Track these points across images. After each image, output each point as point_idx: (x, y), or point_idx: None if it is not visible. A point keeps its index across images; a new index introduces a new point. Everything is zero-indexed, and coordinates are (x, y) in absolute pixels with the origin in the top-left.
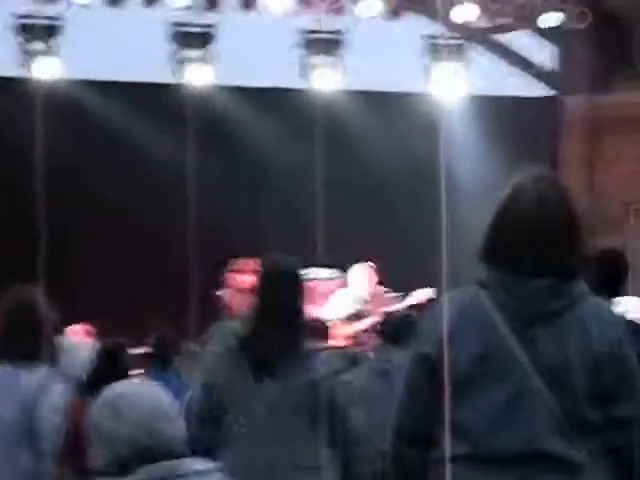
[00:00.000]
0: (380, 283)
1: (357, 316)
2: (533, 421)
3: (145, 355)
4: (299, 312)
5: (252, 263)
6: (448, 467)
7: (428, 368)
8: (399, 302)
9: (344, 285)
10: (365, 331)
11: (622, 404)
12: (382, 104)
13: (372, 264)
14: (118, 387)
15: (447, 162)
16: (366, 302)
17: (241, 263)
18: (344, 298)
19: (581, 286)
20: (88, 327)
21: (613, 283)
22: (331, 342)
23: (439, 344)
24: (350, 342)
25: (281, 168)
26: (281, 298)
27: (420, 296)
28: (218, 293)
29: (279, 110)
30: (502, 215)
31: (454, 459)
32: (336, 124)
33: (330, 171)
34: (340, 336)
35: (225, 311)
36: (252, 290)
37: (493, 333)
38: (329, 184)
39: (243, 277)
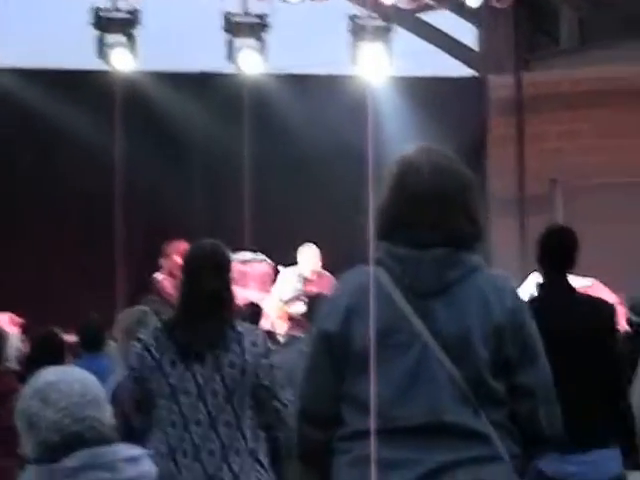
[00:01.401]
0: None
1: (299, 298)
2: (436, 393)
3: (74, 342)
4: (226, 296)
5: (184, 246)
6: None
7: (328, 346)
8: None
9: (274, 268)
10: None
11: (524, 372)
12: (308, 86)
13: (312, 245)
14: (46, 374)
15: (374, 143)
16: (309, 282)
17: (173, 246)
18: (286, 280)
19: (476, 257)
20: (14, 316)
21: (562, 259)
22: (267, 324)
23: (338, 321)
24: (291, 324)
25: (208, 152)
26: (206, 283)
27: None
28: (153, 277)
29: (206, 94)
30: (394, 189)
31: (359, 434)
32: (263, 107)
33: (258, 154)
34: (282, 318)
35: (159, 295)
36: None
37: (391, 307)
38: (257, 167)
39: (175, 260)
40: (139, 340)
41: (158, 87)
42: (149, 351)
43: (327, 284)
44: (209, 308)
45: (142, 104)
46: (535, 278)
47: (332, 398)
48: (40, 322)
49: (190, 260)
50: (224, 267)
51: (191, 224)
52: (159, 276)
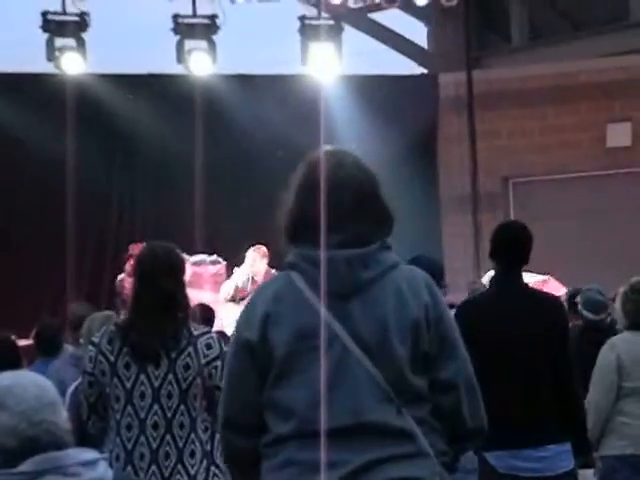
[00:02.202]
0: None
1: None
2: (357, 393)
3: (29, 346)
4: (178, 298)
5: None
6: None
7: (249, 353)
8: None
9: (228, 270)
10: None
11: (444, 367)
12: (258, 86)
13: (262, 246)
14: (1, 379)
15: (325, 142)
16: (254, 282)
17: (134, 248)
18: (232, 280)
19: (391, 255)
20: None
21: (514, 254)
22: (220, 325)
23: (257, 328)
24: None
25: (159, 153)
26: (160, 284)
27: None
28: (118, 279)
29: (156, 95)
30: (299, 191)
31: (282, 440)
32: (213, 108)
33: (209, 155)
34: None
35: (120, 296)
36: None
37: (308, 311)
38: (208, 168)
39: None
40: (93, 344)
41: (108, 89)
42: (103, 354)
43: None
44: (163, 310)
45: (93, 107)
46: (491, 276)
47: (255, 406)
48: None
49: (143, 262)
50: (178, 269)
51: (143, 225)
52: (120, 276)
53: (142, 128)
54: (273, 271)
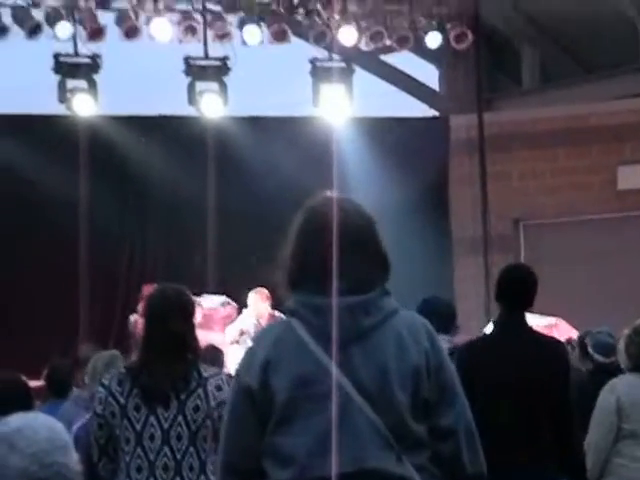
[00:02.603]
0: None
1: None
2: (357, 441)
3: (40, 387)
4: (188, 340)
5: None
6: None
7: (250, 399)
8: None
9: (238, 312)
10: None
11: (444, 414)
12: (270, 128)
13: (263, 289)
14: (12, 420)
15: (337, 185)
16: (257, 325)
17: (147, 289)
18: (237, 323)
19: (391, 301)
20: None
21: (518, 297)
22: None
23: (258, 374)
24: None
25: (171, 196)
26: (171, 326)
27: None
28: (131, 320)
29: (167, 137)
30: (299, 239)
31: None
32: (225, 150)
33: (220, 197)
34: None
35: (133, 337)
36: None
37: (309, 358)
38: (220, 211)
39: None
40: (103, 385)
41: (120, 131)
42: (113, 396)
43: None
44: (174, 351)
45: (105, 148)
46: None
47: (255, 452)
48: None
49: (153, 304)
50: (188, 311)
51: (154, 267)
52: (133, 317)
53: (154, 170)
54: (277, 314)
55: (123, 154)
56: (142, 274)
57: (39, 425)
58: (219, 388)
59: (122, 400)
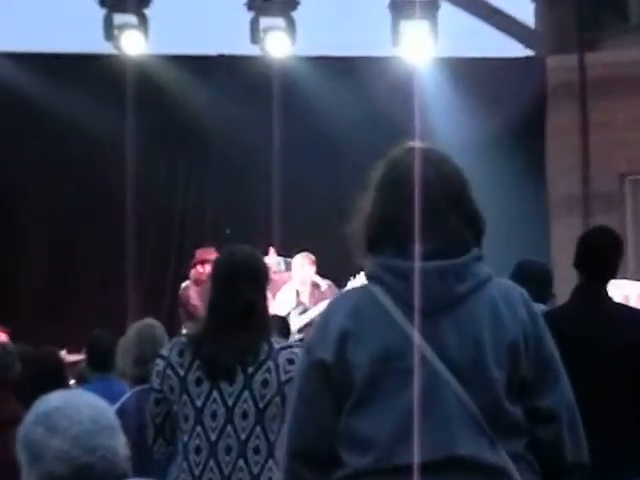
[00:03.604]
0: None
1: (303, 311)
2: (445, 423)
3: (79, 362)
4: (259, 308)
5: (208, 254)
6: None
7: (323, 376)
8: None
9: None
10: (308, 325)
11: (545, 393)
12: (343, 70)
13: (309, 253)
14: (52, 399)
15: (420, 133)
16: (298, 294)
17: (199, 254)
18: (285, 292)
19: (484, 266)
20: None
21: (598, 264)
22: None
23: (333, 347)
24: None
25: (231, 143)
26: (237, 292)
27: None
28: (182, 287)
29: (227, 79)
30: (379, 194)
31: (359, 475)
32: (292, 94)
33: (286, 145)
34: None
35: (185, 306)
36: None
37: (392, 329)
38: (286, 159)
39: (198, 270)
40: (161, 357)
41: (173, 73)
42: (172, 368)
43: (325, 296)
44: (242, 320)
45: (155, 92)
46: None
47: (329, 435)
48: (38, 339)
49: (221, 267)
50: (259, 275)
51: (214, 219)
52: (185, 284)
53: (211, 117)
54: (322, 282)
55: (176, 99)
56: (197, 234)
57: (82, 404)
58: (291, 362)
59: (182, 372)
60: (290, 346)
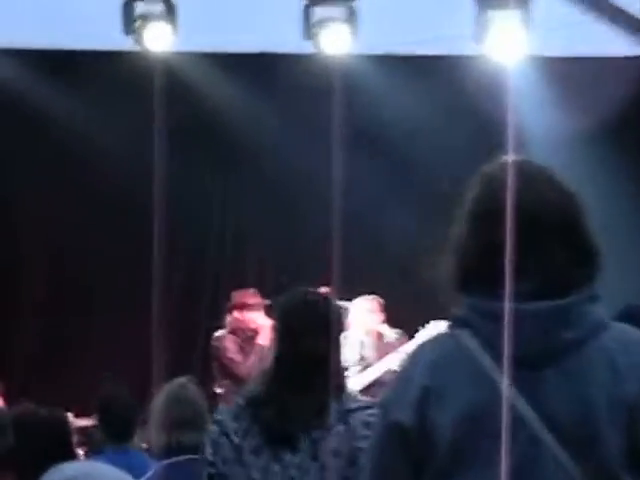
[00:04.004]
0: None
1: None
2: None
3: (89, 428)
4: (332, 363)
5: (246, 297)
6: None
7: (401, 441)
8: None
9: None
10: (372, 386)
11: None
12: (415, 71)
13: (376, 297)
14: (68, 469)
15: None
16: (362, 346)
17: (235, 296)
18: (349, 342)
19: (599, 309)
20: None
21: None
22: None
23: (413, 407)
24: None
25: (274, 158)
26: (307, 346)
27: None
28: (215, 337)
29: (273, 81)
30: (473, 217)
31: None
32: (351, 99)
33: (345, 158)
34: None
35: (218, 360)
36: (256, 332)
37: (484, 385)
38: (345, 176)
39: (236, 316)
40: (216, 422)
41: (206, 73)
42: (227, 435)
43: (393, 348)
44: (310, 377)
45: (185, 97)
46: None
47: None
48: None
49: (290, 316)
50: (335, 325)
51: (255, 259)
52: (219, 334)
53: (253, 125)
54: (388, 332)
55: (210, 105)
56: (234, 271)
57: (102, 477)
58: (368, 425)
59: (237, 440)
60: (368, 406)
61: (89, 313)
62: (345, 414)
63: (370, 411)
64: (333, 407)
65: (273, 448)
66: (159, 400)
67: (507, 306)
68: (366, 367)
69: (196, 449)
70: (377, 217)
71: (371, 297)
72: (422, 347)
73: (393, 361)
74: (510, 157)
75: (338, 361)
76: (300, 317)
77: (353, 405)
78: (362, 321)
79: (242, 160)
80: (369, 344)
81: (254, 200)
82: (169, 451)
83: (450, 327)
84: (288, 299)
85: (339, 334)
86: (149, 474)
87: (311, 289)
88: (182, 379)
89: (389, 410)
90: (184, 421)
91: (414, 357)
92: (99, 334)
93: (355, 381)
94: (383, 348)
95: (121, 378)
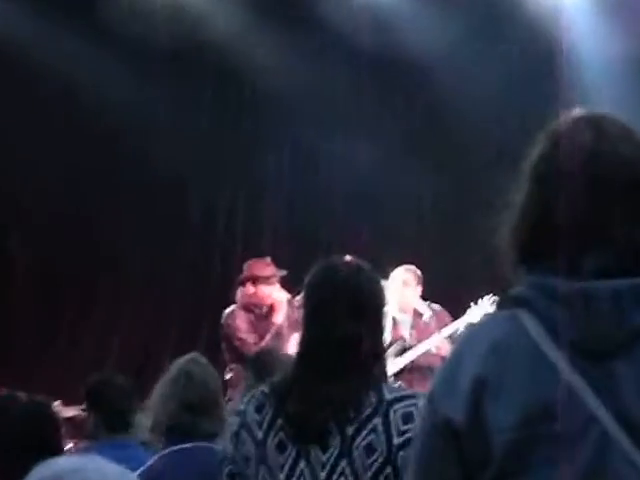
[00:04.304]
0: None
1: (402, 349)
2: None
3: (78, 417)
4: (366, 345)
5: (269, 266)
6: None
7: (450, 439)
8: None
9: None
10: (407, 371)
11: None
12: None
13: (414, 268)
14: (54, 465)
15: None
16: (395, 324)
17: (254, 266)
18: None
19: None
20: None
21: None
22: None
23: (465, 402)
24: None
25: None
26: (337, 326)
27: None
28: (225, 314)
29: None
30: (535, 184)
31: None
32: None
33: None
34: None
35: (228, 340)
36: (272, 309)
37: (548, 377)
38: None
39: (248, 290)
40: (238, 413)
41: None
42: (249, 429)
43: (434, 327)
44: (340, 363)
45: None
46: None
47: None
48: (22, 385)
49: (318, 291)
50: (372, 301)
51: (274, 229)
52: (230, 311)
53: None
54: (427, 308)
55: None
56: (247, 239)
57: (95, 472)
58: (409, 418)
59: (260, 435)
60: (410, 396)
61: (92, 288)
62: (383, 405)
63: (412, 400)
64: (369, 397)
65: (300, 444)
66: (166, 377)
67: (577, 285)
68: (401, 350)
69: (207, 436)
70: (410, 179)
71: (408, 267)
72: (476, 328)
73: (433, 343)
74: (583, 111)
75: (376, 343)
76: (329, 292)
77: (393, 395)
78: (396, 296)
79: (262, 112)
80: (405, 322)
81: (273, 155)
82: (177, 436)
83: (506, 306)
84: (315, 271)
85: (377, 311)
86: (152, 460)
87: (343, 259)
88: (193, 354)
89: (437, 404)
90: (194, 402)
91: (467, 340)
92: (100, 313)
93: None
94: (421, 327)
95: (120, 359)
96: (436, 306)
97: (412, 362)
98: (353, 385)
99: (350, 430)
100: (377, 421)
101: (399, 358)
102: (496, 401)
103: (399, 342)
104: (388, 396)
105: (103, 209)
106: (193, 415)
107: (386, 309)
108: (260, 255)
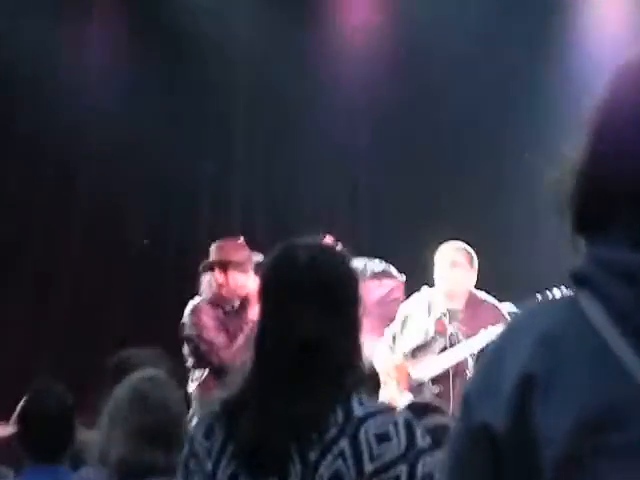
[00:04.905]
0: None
1: (423, 348)
2: None
3: (10, 439)
4: (334, 347)
5: (241, 248)
6: None
7: (488, 449)
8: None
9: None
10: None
11: None
12: None
13: (463, 245)
14: None
15: None
16: (443, 315)
17: (222, 248)
18: (412, 315)
19: None
20: None
21: None
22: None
23: (508, 404)
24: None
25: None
26: (294, 324)
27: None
28: (188, 309)
29: None
30: (599, 133)
31: None
32: None
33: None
34: (402, 381)
35: (189, 344)
36: (245, 302)
37: (612, 373)
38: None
39: (225, 276)
40: (188, 439)
41: None
42: (197, 457)
43: (490, 320)
44: (302, 371)
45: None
46: None
47: None
48: None
49: (273, 280)
50: (340, 291)
51: (248, 207)
52: (194, 306)
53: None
54: (479, 296)
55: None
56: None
57: None
58: (383, 437)
59: (209, 466)
60: (386, 410)
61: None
62: (352, 423)
63: (388, 415)
64: (336, 413)
65: (255, 474)
66: (117, 399)
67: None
68: (444, 348)
69: (165, 470)
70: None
71: (458, 245)
72: (522, 317)
73: (486, 341)
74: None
75: (350, 347)
76: (290, 281)
77: (364, 410)
78: (442, 279)
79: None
80: (452, 313)
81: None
82: (128, 475)
83: (567, 288)
84: (272, 257)
85: (353, 305)
86: None
87: (308, 240)
88: (150, 370)
89: (473, 407)
90: (151, 431)
91: (510, 331)
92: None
93: (425, 368)
94: (473, 320)
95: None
96: (490, 298)
97: (458, 364)
98: (317, 399)
99: (313, 455)
100: (344, 443)
101: (442, 358)
102: (546, 403)
103: (442, 338)
104: (358, 412)
105: None
106: (150, 447)
107: (424, 295)
108: (230, 234)
